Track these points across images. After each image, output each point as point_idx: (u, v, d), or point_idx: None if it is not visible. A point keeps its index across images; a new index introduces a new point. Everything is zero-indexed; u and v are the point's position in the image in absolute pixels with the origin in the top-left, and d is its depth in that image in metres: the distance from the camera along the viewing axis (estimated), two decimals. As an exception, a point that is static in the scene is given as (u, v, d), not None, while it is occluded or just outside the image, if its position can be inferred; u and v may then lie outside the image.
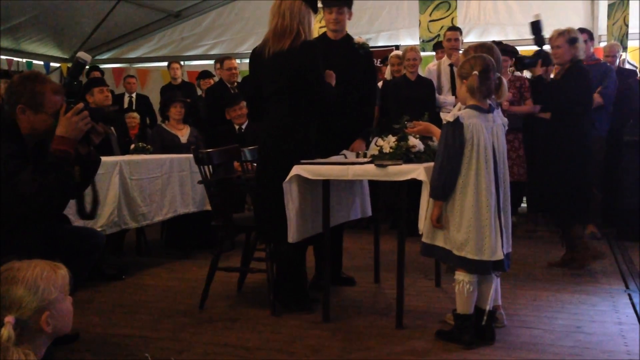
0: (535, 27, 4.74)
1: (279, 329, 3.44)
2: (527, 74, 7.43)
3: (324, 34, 4.28)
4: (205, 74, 7.67)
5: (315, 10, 3.73)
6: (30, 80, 2.89)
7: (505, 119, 3.32)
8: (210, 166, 3.89)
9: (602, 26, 8.36)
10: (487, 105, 3.17)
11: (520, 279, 4.46)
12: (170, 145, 5.69)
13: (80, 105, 2.85)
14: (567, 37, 4.60)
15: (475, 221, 3.07)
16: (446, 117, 3.17)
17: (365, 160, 3.55)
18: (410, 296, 3.96)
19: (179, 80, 8.38)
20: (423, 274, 4.58)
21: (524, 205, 7.25)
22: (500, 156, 3.18)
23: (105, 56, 10.81)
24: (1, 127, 2.86)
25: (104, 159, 4.52)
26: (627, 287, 4.26)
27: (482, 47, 3.32)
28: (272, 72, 3.67)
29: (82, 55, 3.29)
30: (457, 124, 3.09)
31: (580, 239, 4.76)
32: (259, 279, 4.23)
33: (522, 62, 5.02)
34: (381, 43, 9.35)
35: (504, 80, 3.21)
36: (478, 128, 3.09)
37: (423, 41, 8.45)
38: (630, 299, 3.97)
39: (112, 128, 5.40)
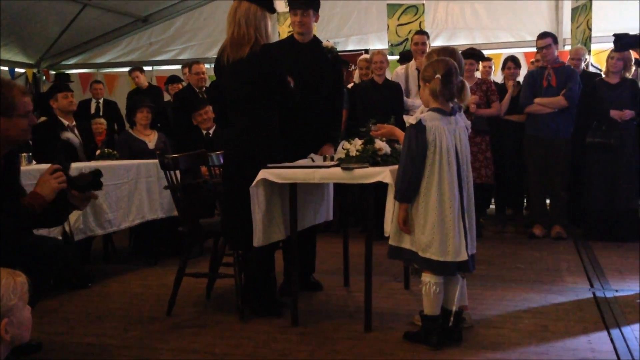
0: None
1: (247, 335, 3.42)
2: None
3: (292, 36, 4.28)
4: (173, 79, 7.62)
5: (272, 11, 3.69)
6: None
7: (469, 122, 3.36)
8: (176, 171, 3.86)
9: (566, 30, 8.53)
10: (450, 108, 3.20)
11: (487, 280, 4.51)
12: (137, 151, 5.62)
13: (57, 167, 2.88)
14: None
15: (439, 223, 3.09)
16: (409, 120, 3.19)
17: (332, 163, 3.56)
18: (379, 298, 3.98)
19: (145, 85, 8.36)
20: (392, 276, 4.60)
21: (492, 206, 7.35)
22: (463, 158, 3.21)
23: (72, 61, 10.69)
24: None
25: (68, 165, 4.47)
26: (591, 285, 4.34)
27: (444, 51, 3.35)
28: (233, 80, 3.65)
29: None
30: (419, 126, 3.11)
31: None
32: (228, 284, 4.20)
33: (621, 41, 4.34)
34: (350, 47, 9.41)
35: (467, 84, 3.24)
36: (440, 131, 3.12)
37: (391, 45, 8.52)
38: (595, 297, 4.04)
39: (78, 134, 5.33)
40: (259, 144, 3.62)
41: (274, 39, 8.96)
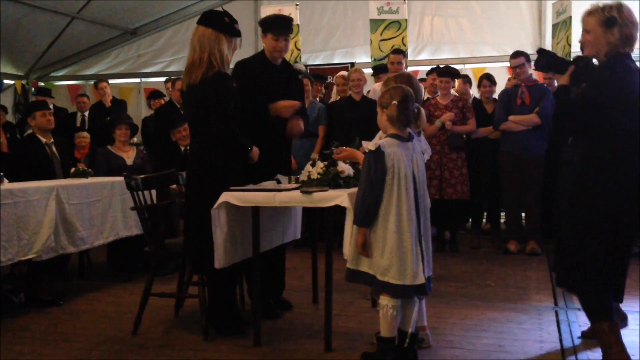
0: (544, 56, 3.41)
1: (209, 355, 3.47)
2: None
3: (263, 55, 4.19)
4: (155, 94, 7.68)
5: (233, 34, 3.69)
6: None
7: (425, 147, 3.43)
8: (141, 192, 3.92)
9: (549, 44, 8.60)
10: (407, 134, 3.27)
11: (455, 297, 4.56)
12: (115, 167, 5.67)
13: None
14: (601, 18, 3.08)
15: (397, 247, 3.15)
16: (368, 145, 3.26)
17: (293, 186, 3.62)
18: (345, 317, 4.04)
19: (109, 98, 8.40)
20: (361, 294, 4.65)
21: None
22: (420, 183, 3.27)
23: (60, 73, 10.75)
24: None
25: (39, 183, 4.53)
26: (555, 304, 4.39)
27: (400, 77, 3.43)
28: (187, 105, 3.76)
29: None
30: (378, 152, 3.18)
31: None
32: (197, 303, 4.25)
33: (545, 58, 3.41)
34: (337, 60, 9.49)
35: (422, 110, 3.32)
36: (399, 156, 3.19)
37: (375, 60, 8.59)
38: (557, 316, 4.09)
39: (56, 150, 5.39)
40: (216, 165, 3.66)
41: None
